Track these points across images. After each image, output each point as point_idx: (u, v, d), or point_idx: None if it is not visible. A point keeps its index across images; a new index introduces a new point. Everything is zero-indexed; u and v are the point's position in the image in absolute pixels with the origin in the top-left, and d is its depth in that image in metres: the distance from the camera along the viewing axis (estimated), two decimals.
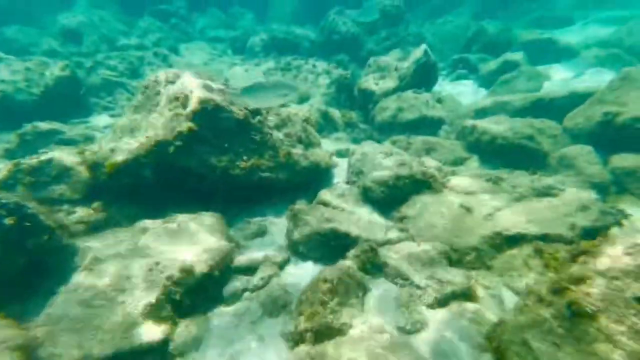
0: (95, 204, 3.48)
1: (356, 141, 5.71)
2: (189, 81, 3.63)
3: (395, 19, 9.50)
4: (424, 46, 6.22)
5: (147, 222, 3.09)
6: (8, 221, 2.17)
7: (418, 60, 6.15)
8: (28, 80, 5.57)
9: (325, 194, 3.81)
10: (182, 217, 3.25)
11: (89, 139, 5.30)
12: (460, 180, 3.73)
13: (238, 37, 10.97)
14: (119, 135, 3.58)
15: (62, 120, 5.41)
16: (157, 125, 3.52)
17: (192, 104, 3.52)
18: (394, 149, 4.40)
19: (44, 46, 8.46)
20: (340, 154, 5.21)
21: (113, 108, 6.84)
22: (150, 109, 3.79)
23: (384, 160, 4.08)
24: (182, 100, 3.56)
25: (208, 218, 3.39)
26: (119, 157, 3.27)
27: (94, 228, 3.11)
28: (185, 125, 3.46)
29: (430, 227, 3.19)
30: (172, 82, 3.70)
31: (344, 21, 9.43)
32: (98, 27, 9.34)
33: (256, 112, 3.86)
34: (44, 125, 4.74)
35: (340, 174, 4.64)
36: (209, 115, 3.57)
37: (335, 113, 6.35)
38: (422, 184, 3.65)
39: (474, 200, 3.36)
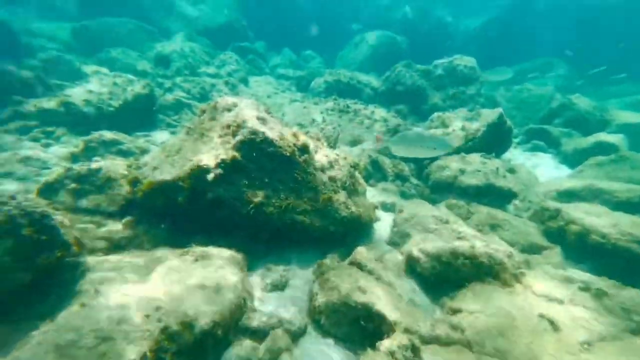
0: (126, 220, 3.38)
1: (405, 196, 5.13)
2: (245, 111, 3.56)
3: (466, 78, 9.21)
4: (499, 109, 5.71)
5: (165, 252, 2.82)
6: (26, 231, 2.03)
7: (491, 123, 5.58)
8: (111, 93, 6.23)
9: (361, 254, 3.25)
10: (201, 251, 2.95)
11: (145, 152, 5.56)
12: (542, 279, 2.89)
13: (303, 77, 11.60)
14: (166, 154, 3.55)
15: (129, 132, 5.82)
16: (202, 150, 3.43)
17: (242, 134, 3.40)
18: (451, 216, 3.73)
19: (138, 67, 9.73)
20: (386, 207, 4.66)
21: (175, 126, 7.32)
22: (202, 133, 3.78)
23: (438, 227, 3.44)
24: (233, 128, 3.48)
25: (229, 256, 3.03)
26: (158, 177, 3.17)
27: (116, 246, 2.95)
28: (229, 154, 3.32)
29: (495, 337, 2.39)
30: (229, 110, 3.67)
31: (410, 74, 9.39)
32: (186, 56, 10.60)
33: (304, 150, 3.61)
34: (108, 135, 5.08)
35: (383, 231, 4.06)
36: (255, 148, 3.40)
37: (386, 161, 5.93)
38: (486, 271, 2.90)
39: (562, 314, 2.49)
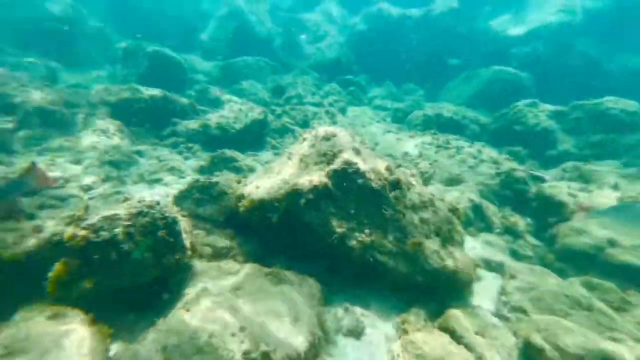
0: (228, 231, 3.85)
1: (517, 256, 4.19)
2: (342, 141, 3.66)
3: (621, 125, 7.24)
4: None
5: (254, 269, 3.01)
6: (161, 233, 2.47)
7: None
8: (236, 118, 7.52)
9: (457, 319, 2.73)
10: (284, 274, 3.01)
11: (252, 170, 6.36)
12: None
13: (400, 109, 11.47)
14: (267, 176, 3.94)
15: (242, 151, 6.82)
16: (299, 175, 3.66)
17: (336, 163, 3.49)
18: (594, 301, 2.76)
19: (259, 95, 11.54)
20: (490, 266, 3.88)
21: (278, 148, 8.19)
22: (301, 159, 4.07)
23: (574, 313, 2.59)
24: (329, 157, 3.61)
25: (309, 285, 3.02)
26: (258, 195, 3.51)
27: (217, 254, 3.36)
28: (322, 181, 3.42)
29: None
30: (328, 139, 3.85)
31: (535, 113, 8.07)
32: (297, 86, 12.03)
33: (396, 185, 3.41)
34: (228, 153, 6.06)
35: (485, 296, 3.36)
36: (346, 177, 3.41)
37: (491, 208, 5.06)
38: None
39: None
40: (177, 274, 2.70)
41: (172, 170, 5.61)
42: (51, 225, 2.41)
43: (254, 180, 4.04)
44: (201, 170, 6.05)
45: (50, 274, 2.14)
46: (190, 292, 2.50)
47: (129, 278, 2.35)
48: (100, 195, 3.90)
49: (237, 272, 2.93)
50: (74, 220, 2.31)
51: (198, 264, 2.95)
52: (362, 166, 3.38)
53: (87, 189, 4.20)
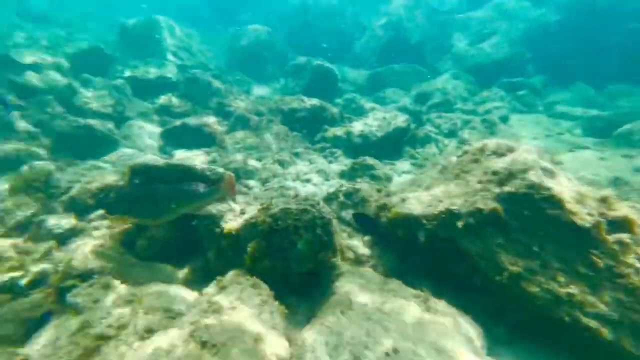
0: (366, 238, 3.76)
1: None
2: (524, 159, 2.86)
3: None
4: None
5: (400, 288, 2.73)
6: (318, 231, 2.65)
7: None
8: (379, 126, 7.48)
9: None
10: (434, 303, 2.58)
11: (388, 179, 6.12)
12: None
13: (602, 117, 8.29)
14: (415, 189, 3.58)
15: (380, 159, 6.71)
16: (456, 193, 3.12)
17: (513, 185, 2.75)
18: None
19: (401, 103, 11.24)
20: None
21: (417, 158, 7.59)
22: (458, 174, 3.49)
23: None
24: (501, 176, 2.89)
25: (466, 326, 2.48)
26: (405, 209, 3.22)
27: (357, 260, 3.32)
28: (488, 205, 2.78)
29: None
30: (500, 155, 3.12)
31: None
32: (446, 93, 10.96)
33: (623, 226, 2.33)
34: (369, 160, 6.08)
35: None
36: (530, 203, 2.63)
37: None
38: None
39: None
40: (327, 270, 2.82)
41: (319, 172, 6.13)
42: (249, 209, 2.99)
43: (399, 191, 3.77)
44: (342, 175, 6.33)
45: (248, 249, 2.64)
46: (341, 292, 2.55)
47: (294, 265, 2.64)
48: (272, 188, 4.68)
49: (383, 284, 2.74)
50: (264, 209, 2.76)
51: (343, 266, 2.98)
52: (559, 192, 2.50)
53: (264, 181, 5.17)
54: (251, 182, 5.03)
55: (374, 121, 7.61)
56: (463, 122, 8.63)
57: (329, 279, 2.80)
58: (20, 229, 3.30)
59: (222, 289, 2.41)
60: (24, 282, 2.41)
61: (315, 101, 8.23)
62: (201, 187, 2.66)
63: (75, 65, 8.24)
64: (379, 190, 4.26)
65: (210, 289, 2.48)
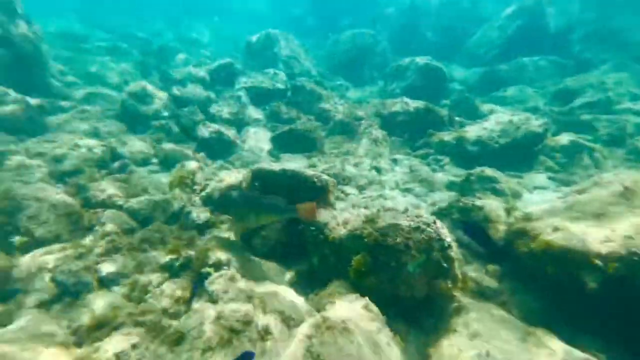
0: (491, 267, 3.04)
1: None
2: None
3: None
4: None
5: (553, 340, 2.05)
6: (435, 254, 2.25)
7: None
8: (502, 131, 6.24)
9: None
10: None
11: (516, 196, 4.97)
12: None
13: None
14: (575, 215, 2.67)
15: (502, 169, 5.55)
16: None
17: None
18: None
19: (530, 103, 9.27)
20: None
21: (558, 171, 5.97)
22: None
23: None
24: None
25: None
26: (560, 240, 2.41)
27: (480, 293, 2.70)
28: None
29: None
30: None
31: None
32: (605, 89, 8.41)
33: None
34: (488, 172, 5.09)
35: None
36: None
37: None
38: None
39: None
40: (443, 301, 2.39)
41: (422, 182, 5.52)
42: (352, 219, 2.83)
43: (546, 215, 2.89)
44: (451, 186, 5.52)
45: (352, 262, 2.48)
46: (462, 330, 2.08)
47: (403, 288, 2.36)
48: (371, 196, 4.42)
49: (524, 332, 2.10)
50: (369, 221, 2.54)
51: (462, 299, 2.47)
52: None
53: (361, 188, 4.99)
54: (348, 189, 4.90)
55: (495, 125, 6.40)
56: (635, 126, 6.34)
57: (446, 311, 2.35)
58: (173, 218, 4.02)
59: (331, 304, 2.30)
60: (177, 264, 2.87)
61: (419, 103, 7.54)
62: (281, 203, 2.65)
63: (212, 78, 9.96)
64: (508, 211, 3.44)
65: (318, 297, 2.42)
